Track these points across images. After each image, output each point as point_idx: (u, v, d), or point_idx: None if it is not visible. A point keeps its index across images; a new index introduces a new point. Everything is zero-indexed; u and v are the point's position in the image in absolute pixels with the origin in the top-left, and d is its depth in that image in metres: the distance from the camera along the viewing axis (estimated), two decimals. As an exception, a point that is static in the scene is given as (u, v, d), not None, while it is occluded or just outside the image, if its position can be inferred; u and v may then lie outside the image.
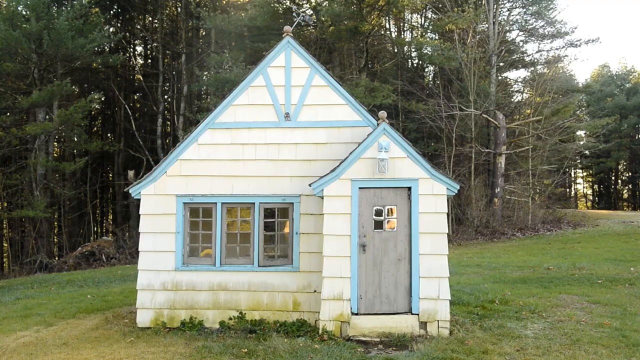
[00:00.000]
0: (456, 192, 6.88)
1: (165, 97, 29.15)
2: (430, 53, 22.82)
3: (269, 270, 7.23)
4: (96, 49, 23.16)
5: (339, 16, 21.51)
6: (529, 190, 23.23)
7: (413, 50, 26.78)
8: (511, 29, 26.17)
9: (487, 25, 24.24)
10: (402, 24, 29.27)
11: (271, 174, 7.34)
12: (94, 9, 25.37)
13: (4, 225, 24.73)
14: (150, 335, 6.77)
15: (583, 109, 34.40)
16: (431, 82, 27.64)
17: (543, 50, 27.91)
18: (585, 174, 48.99)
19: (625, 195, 46.60)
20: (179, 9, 29.98)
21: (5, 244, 24.49)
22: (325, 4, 22.88)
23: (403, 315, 6.64)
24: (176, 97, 28.71)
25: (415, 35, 28.19)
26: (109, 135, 31.67)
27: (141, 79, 29.76)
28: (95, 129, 31.68)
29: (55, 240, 24.85)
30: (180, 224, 7.33)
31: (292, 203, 7.28)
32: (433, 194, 6.72)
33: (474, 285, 9.76)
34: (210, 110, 8.47)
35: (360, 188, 6.78)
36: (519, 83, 29.11)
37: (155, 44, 29.30)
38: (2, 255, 24.81)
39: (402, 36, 28.82)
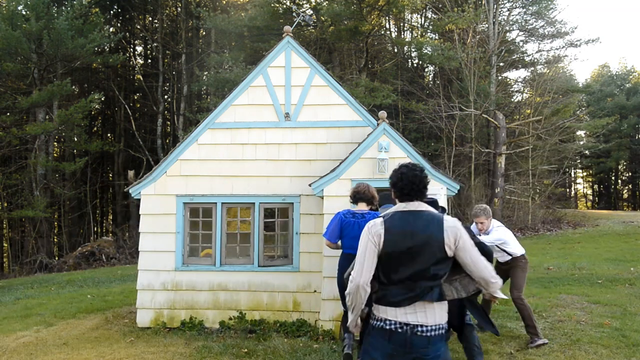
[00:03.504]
0: (456, 192, 6.87)
1: (165, 97, 29.16)
2: (430, 53, 22.80)
3: (269, 271, 7.23)
4: (96, 49, 23.16)
5: (339, 16, 21.51)
6: (529, 190, 23.20)
7: (413, 50, 26.76)
8: (511, 29, 26.15)
9: (487, 25, 24.22)
10: (402, 24, 29.27)
11: (271, 174, 7.33)
12: (94, 9, 25.40)
13: (4, 225, 24.73)
14: (150, 335, 6.77)
15: (583, 109, 34.38)
16: (431, 82, 27.61)
17: (543, 50, 27.89)
18: (585, 174, 49.00)
19: (625, 195, 46.60)
20: (179, 9, 30.00)
21: (5, 244, 24.50)
22: (325, 4, 22.88)
23: (403, 315, 6.63)
24: (176, 97, 28.73)
25: (415, 35, 28.19)
26: (109, 135, 31.67)
27: (141, 79, 29.76)
28: (95, 129, 31.68)
29: (55, 240, 24.86)
30: (180, 224, 7.32)
31: (292, 203, 7.28)
32: (433, 194, 6.71)
33: (474, 285, 9.73)
34: (210, 110, 8.46)
35: (360, 188, 6.77)
36: (519, 83, 29.08)
37: (155, 44, 29.31)
38: (2, 255, 24.82)
39: (402, 36, 28.82)
